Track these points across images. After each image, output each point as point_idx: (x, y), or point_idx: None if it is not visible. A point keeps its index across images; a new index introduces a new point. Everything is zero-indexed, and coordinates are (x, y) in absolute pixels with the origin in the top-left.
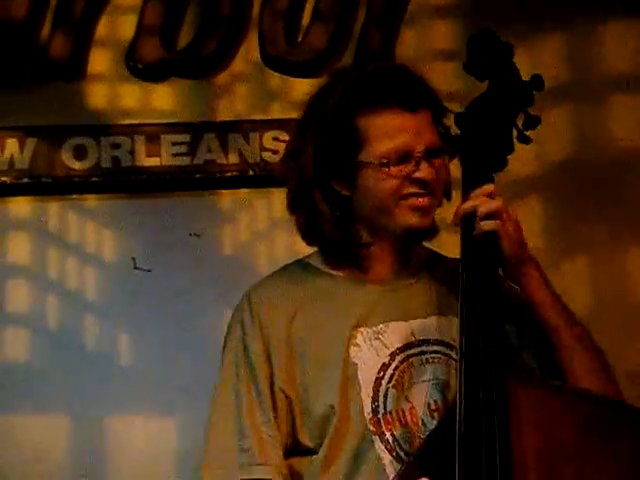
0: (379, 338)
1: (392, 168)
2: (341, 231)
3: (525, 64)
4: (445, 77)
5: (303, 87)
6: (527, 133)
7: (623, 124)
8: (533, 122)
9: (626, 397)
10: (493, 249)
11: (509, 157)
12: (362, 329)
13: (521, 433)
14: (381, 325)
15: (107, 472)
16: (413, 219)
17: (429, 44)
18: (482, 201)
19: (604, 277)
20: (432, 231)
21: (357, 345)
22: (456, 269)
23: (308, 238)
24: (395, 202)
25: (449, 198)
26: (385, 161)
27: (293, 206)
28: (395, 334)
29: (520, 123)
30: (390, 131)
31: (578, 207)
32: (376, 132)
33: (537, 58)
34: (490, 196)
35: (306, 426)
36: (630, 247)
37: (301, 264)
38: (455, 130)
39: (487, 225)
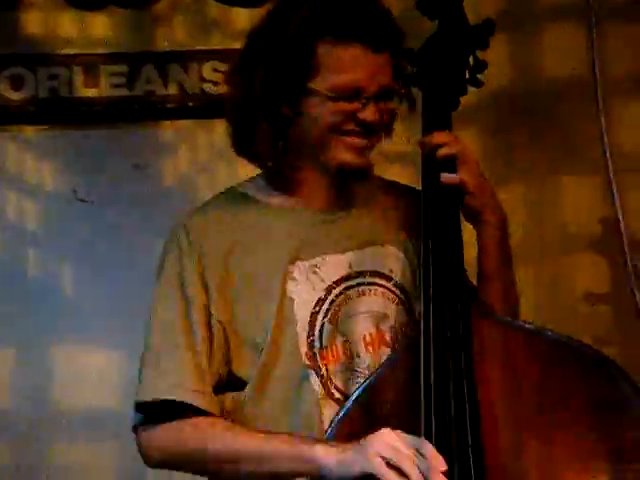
0: (316, 272)
1: (339, 103)
2: (277, 150)
3: None
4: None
5: (243, 17)
6: (478, 76)
7: (556, 54)
8: (481, 66)
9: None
10: (455, 194)
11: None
12: (299, 262)
13: (484, 365)
14: (318, 258)
15: (53, 406)
16: (347, 156)
17: None
18: (444, 140)
19: (539, 206)
20: (364, 171)
21: (294, 279)
22: (409, 199)
23: (242, 152)
24: (333, 136)
25: (389, 136)
26: (334, 94)
27: (234, 118)
28: (332, 267)
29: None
30: (347, 66)
31: (513, 137)
32: (333, 63)
33: None
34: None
35: (241, 357)
36: (564, 176)
37: (236, 193)
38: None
39: (447, 179)
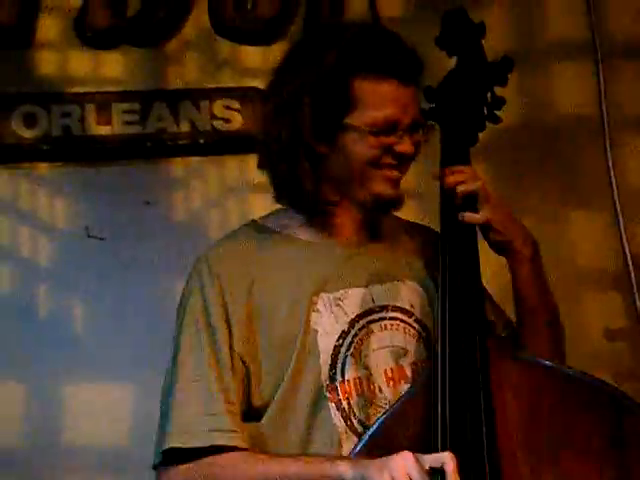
0: (339, 304)
1: (379, 137)
2: (310, 187)
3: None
4: None
5: (253, 55)
6: (496, 113)
7: (566, 92)
8: (499, 103)
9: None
10: (473, 229)
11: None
12: (323, 294)
13: (501, 398)
14: (342, 291)
15: (61, 442)
16: (384, 188)
17: (377, 9)
18: (464, 177)
19: (547, 243)
20: (399, 201)
21: (318, 311)
22: (427, 238)
23: (284, 195)
24: (370, 169)
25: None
26: (373, 129)
27: (274, 161)
28: (355, 300)
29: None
30: (383, 100)
31: (523, 174)
32: (370, 98)
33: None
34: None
35: (261, 388)
36: (572, 213)
37: (256, 227)
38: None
39: (469, 218)
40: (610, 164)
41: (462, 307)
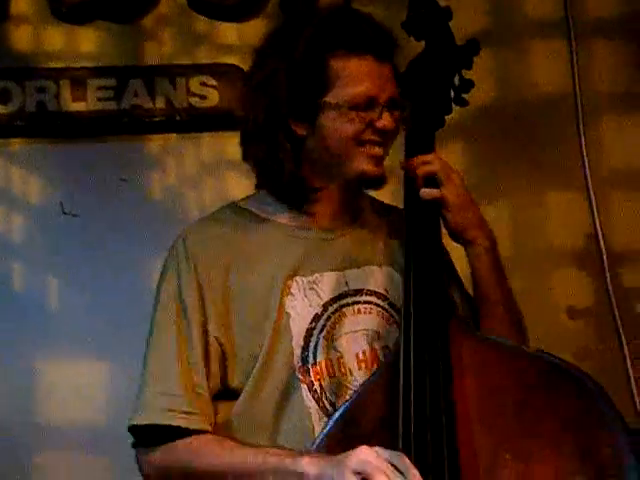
0: (314, 288)
1: (358, 113)
2: (292, 170)
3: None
4: None
5: (230, 31)
6: (463, 96)
7: (541, 70)
8: (467, 85)
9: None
10: (435, 212)
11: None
12: (297, 278)
13: (462, 379)
14: (316, 275)
15: (36, 419)
16: (368, 166)
17: None
18: (425, 160)
19: (524, 221)
20: (382, 180)
21: (291, 295)
22: (397, 219)
23: (263, 176)
24: (353, 147)
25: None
26: (352, 104)
27: (252, 141)
28: (329, 284)
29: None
30: (361, 76)
31: (499, 152)
32: (347, 75)
33: (459, 5)
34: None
35: (236, 370)
36: (549, 191)
37: (236, 208)
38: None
39: (427, 194)
40: (583, 143)
41: (424, 287)
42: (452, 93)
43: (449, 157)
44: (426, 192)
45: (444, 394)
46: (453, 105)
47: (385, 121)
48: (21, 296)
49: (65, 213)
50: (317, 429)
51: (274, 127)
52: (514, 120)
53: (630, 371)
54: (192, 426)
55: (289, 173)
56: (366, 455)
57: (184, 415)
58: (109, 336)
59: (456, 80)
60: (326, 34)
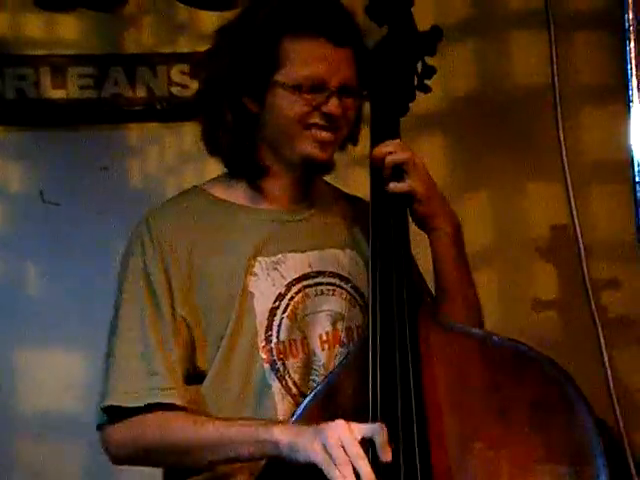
0: (277, 268)
1: (304, 95)
2: (242, 145)
3: (429, 2)
4: None
5: (212, 20)
6: (426, 82)
7: (525, 59)
8: (429, 72)
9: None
10: (402, 202)
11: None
12: (260, 258)
13: (431, 367)
14: (280, 255)
15: (11, 406)
16: (312, 149)
17: None
18: (393, 149)
19: (505, 211)
20: (328, 166)
21: (255, 274)
22: (359, 208)
23: (209, 147)
24: (298, 129)
25: (355, 142)
26: (299, 85)
27: (201, 112)
28: (292, 265)
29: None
30: (310, 59)
31: (481, 142)
32: (297, 56)
33: None
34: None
35: (204, 351)
36: (530, 182)
37: (198, 191)
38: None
39: (396, 188)
40: (561, 134)
41: (392, 277)
42: (415, 80)
43: (428, 147)
44: (395, 186)
45: (414, 380)
46: (417, 92)
47: (332, 106)
48: (0, 285)
49: (45, 202)
50: (280, 408)
51: (216, 101)
52: (493, 110)
53: (606, 361)
54: (172, 400)
55: (231, 146)
56: (338, 433)
57: (167, 392)
58: (87, 324)
59: (419, 67)
60: (281, 13)
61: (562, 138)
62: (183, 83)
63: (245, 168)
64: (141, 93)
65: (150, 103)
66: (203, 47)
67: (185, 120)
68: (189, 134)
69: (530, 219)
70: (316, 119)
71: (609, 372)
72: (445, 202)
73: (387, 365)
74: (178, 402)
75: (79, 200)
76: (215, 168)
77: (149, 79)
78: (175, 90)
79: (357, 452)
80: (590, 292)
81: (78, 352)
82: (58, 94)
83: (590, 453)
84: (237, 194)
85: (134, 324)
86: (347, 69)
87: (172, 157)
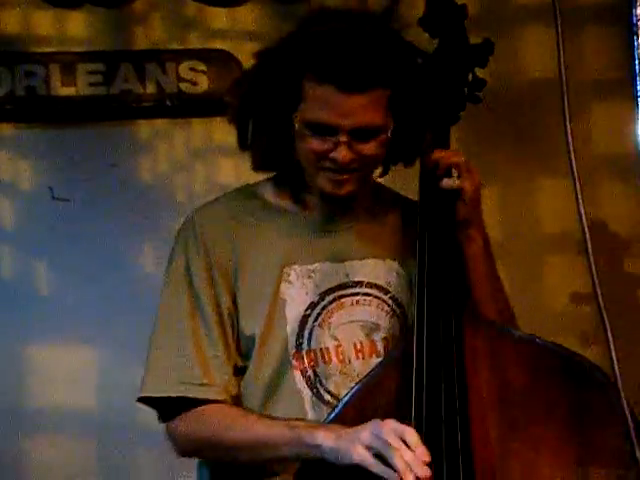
0: (311, 277)
1: (312, 138)
2: (286, 160)
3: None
4: None
5: (221, 16)
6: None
7: (533, 54)
8: (480, 84)
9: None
10: (450, 205)
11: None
12: (296, 266)
13: (475, 368)
14: (316, 264)
15: (24, 404)
16: (329, 188)
17: None
18: (447, 154)
19: (514, 208)
20: (347, 199)
21: (289, 282)
22: (410, 213)
23: (266, 163)
24: (314, 167)
25: (386, 172)
26: (310, 125)
27: (257, 129)
28: (328, 275)
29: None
30: (322, 103)
31: (487, 138)
32: (312, 98)
33: None
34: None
35: (242, 349)
36: (539, 178)
37: (247, 191)
38: None
39: (448, 183)
40: (569, 129)
41: (439, 275)
42: (465, 91)
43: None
44: (448, 181)
45: (458, 381)
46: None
47: (339, 154)
48: (10, 281)
49: (55, 198)
50: (310, 414)
51: (277, 119)
52: (502, 106)
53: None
54: (207, 396)
55: (287, 161)
56: (378, 429)
57: (200, 387)
58: (98, 321)
59: (469, 78)
60: (304, 54)
61: (570, 132)
62: (192, 79)
63: (289, 181)
64: (150, 89)
65: (159, 99)
66: (212, 43)
67: (194, 116)
68: (198, 130)
69: (541, 215)
70: (326, 163)
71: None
72: (482, 218)
73: (432, 366)
74: (212, 397)
75: (89, 196)
76: (225, 164)
77: (158, 75)
78: (184, 86)
79: (400, 444)
80: (598, 287)
81: (88, 348)
82: (68, 91)
83: (632, 459)
84: (282, 199)
85: (173, 320)
86: (364, 114)
87: (181, 153)
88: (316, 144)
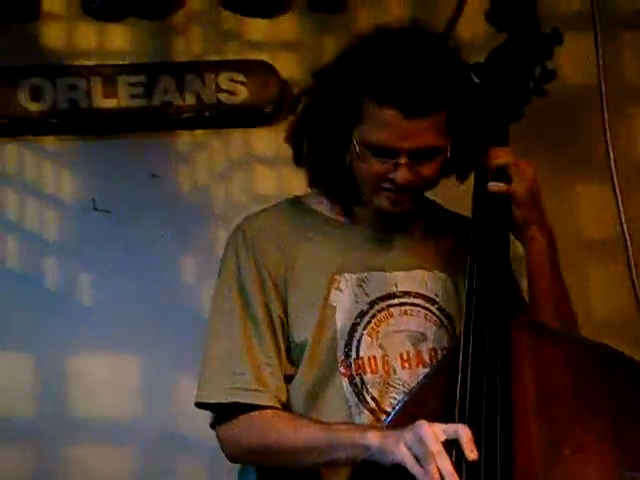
0: (361, 286)
1: (373, 159)
2: (341, 174)
3: (476, 3)
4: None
5: (258, 27)
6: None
7: (572, 60)
8: (549, 75)
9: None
10: (504, 208)
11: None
12: (346, 274)
13: (521, 372)
14: (366, 273)
15: (68, 413)
16: (385, 205)
17: None
18: (495, 155)
19: (554, 214)
20: (403, 216)
21: (339, 289)
22: (458, 227)
23: (320, 176)
24: (372, 186)
25: (462, 180)
26: (370, 147)
27: (315, 144)
28: (378, 284)
29: (537, 75)
30: (380, 126)
31: (525, 146)
32: (371, 119)
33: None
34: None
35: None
36: (578, 184)
37: (294, 202)
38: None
39: (495, 187)
40: (608, 135)
41: (487, 287)
42: (531, 84)
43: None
44: (494, 185)
45: (501, 386)
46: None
47: (399, 176)
48: (54, 292)
49: (97, 209)
50: (357, 422)
51: (335, 138)
52: (540, 113)
53: None
54: (258, 402)
55: (340, 177)
56: (423, 432)
57: (251, 393)
58: (140, 331)
59: (537, 71)
60: (365, 75)
61: (609, 138)
62: (231, 90)
63: (341, 194)
64: (190, 100)
65: (199, 110)
66: (250, 54)
67: (233, 127)
68: (237, 141)
69: (581, 221)
70: (386, 183)
71: None
72: (544, 213)
73: (475, 376)
74: (263, 403)
75: (130, 207)
76: (263, 174)
77: (197, 87)
78: (223, 97)
79: (438, 449)
80: (638, 291)
81: (132, 358)
82: (109, 103)
83: None
84: (333, 211)
85: (224, 326)
86: (424, 137)
87: (220, 164)
88: (377, 165)
